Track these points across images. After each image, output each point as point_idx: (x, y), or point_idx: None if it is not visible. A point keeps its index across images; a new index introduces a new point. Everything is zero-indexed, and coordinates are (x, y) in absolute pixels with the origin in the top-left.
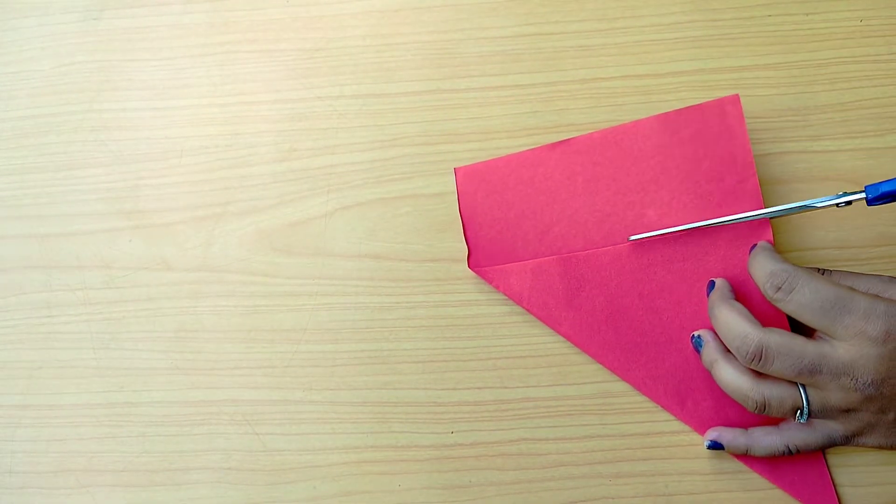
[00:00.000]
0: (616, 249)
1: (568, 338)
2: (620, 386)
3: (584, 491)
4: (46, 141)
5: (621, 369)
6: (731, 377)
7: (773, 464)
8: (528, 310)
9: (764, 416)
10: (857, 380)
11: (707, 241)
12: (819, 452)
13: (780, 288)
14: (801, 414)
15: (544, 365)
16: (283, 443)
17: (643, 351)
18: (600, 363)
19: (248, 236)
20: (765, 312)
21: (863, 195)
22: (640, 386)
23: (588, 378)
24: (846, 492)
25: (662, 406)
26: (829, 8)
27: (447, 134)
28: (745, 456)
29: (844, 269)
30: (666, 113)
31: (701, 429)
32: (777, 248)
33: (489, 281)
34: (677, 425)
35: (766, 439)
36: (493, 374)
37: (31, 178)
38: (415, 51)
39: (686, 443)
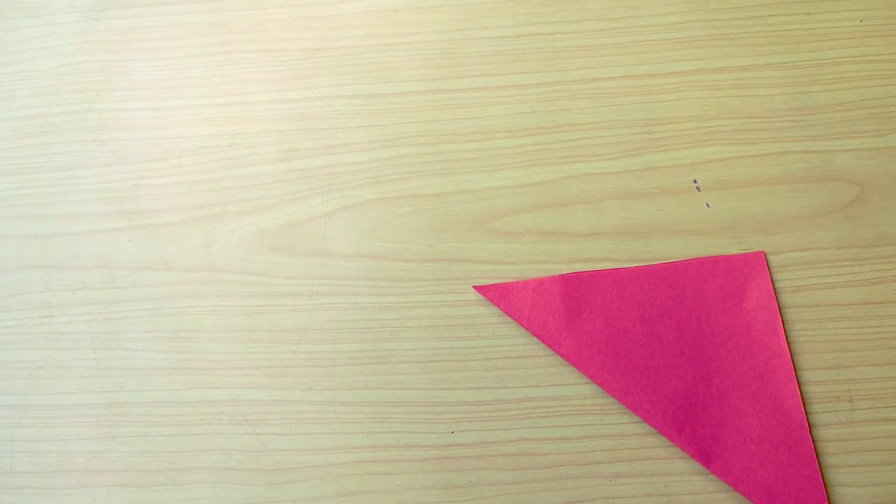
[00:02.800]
0: (618, 272)
1: (567, 358)
2: None
3: (584, 491)
4: (46, 141)
5: (620, 392)
6: None
7: (771, 497)
8: (527, 329)
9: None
10: None
11: (706, 271)
12: (822, 486)
13: None
14: None
15: (544, 365)
16: (283, 443)
17: (642, 375)
18: (598, 385)
19: (248, 236)
20: (759, 330)
21: None
22: (638, 410)
23: (588, 378)
24: (846, 492)
25: (660, 431)
26: (829, 8)
27: (447, 134)
28: (744, 489)
29: (844, 268)
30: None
31: (699, 456)
32: (777, 248)
33: (490, 298)
34: None
35: None
36: (493, 374)
37: (31, 178)
38: (415, 51)
39: None
